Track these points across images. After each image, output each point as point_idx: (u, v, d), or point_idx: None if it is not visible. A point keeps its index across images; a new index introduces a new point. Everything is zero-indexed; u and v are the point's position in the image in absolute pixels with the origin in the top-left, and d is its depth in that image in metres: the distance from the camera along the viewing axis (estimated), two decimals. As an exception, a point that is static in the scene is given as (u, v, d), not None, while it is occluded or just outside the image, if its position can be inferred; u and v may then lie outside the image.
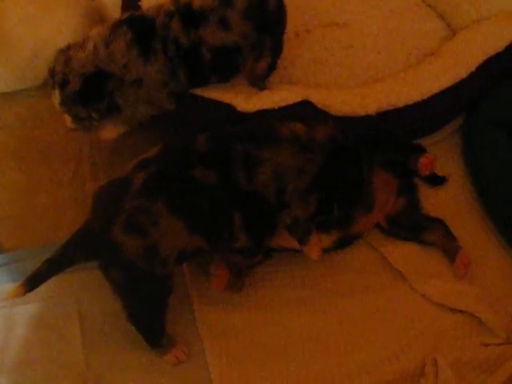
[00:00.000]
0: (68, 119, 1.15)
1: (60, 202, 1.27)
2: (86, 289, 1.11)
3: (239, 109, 1.14)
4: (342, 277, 1.14)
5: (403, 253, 1.17)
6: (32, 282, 0.93)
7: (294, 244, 1.04)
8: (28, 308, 1.10)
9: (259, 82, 1.23)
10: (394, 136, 1.19)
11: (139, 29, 1.10)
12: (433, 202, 1.21)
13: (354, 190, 1.03)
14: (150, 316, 1.01)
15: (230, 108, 1.15)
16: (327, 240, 1.08)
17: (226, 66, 1.15)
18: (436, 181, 1.26)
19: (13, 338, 1.07)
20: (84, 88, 1.08)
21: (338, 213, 1.01)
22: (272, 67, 1.21)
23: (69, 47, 1.10)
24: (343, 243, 1.14)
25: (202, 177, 0.93)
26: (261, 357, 1.06)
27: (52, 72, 1.10)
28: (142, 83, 1.11)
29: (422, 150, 1.20)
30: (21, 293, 0.92)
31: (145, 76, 1.11)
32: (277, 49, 1.19)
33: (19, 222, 1.24)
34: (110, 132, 1.22)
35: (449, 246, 1.15)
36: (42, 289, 1.10)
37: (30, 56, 1.36)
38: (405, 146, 1.19)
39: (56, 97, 1.10)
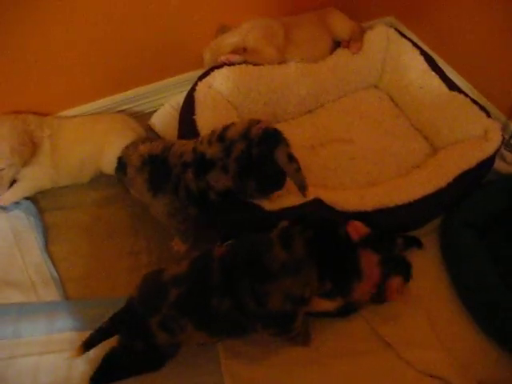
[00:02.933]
0: None
1: (118, 269, 1.39)
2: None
3: (267, 208, 1.22)
4: (341, 342, 1.23)
5: (391, 325, 1.26)
6: (87, 345, 1.07)
7: (325, 306, 1.10)
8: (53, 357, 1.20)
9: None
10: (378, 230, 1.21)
11: (157, 171, 1.23)
12: (414, 291, 1.28)
13: (346, 251, 1.07)
14: (121, 372, 1.12)
15: (257, 208, 1.22)
16: (332, 305, 1.11)
17: (231, 203, 1.23)
18: (412, 242, 1.36)
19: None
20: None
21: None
22: (263, 193, 1.24)
23: (132, 148, 1.33)
24: (347, 309, 1.19)
25: (219, 304, 1.03)
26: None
27: None
28: (149, 209, 1.32)
29: (411, 240, 1.32)
30: (79, 354, 1.06)
31: (151, 205, 1.29)
32: (262, 191, 1.22)
33: (85, 282, 1.36)
34: (180, 246, 1.43)
35: None
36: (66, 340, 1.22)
37: (77, 164, 1.52)
38: (385, 235, 1.21)
39: None
